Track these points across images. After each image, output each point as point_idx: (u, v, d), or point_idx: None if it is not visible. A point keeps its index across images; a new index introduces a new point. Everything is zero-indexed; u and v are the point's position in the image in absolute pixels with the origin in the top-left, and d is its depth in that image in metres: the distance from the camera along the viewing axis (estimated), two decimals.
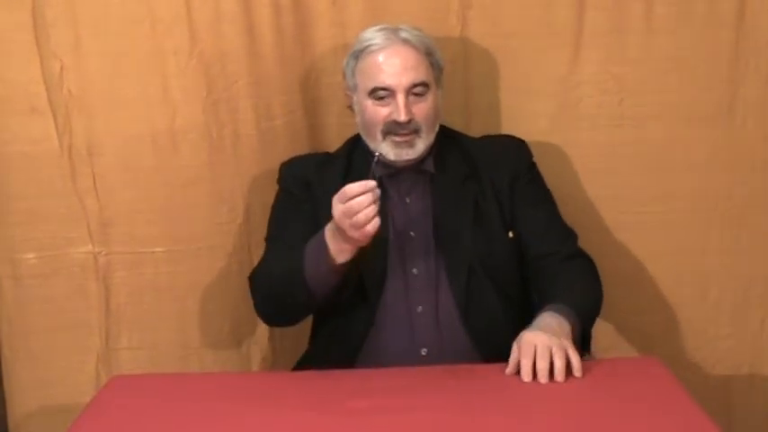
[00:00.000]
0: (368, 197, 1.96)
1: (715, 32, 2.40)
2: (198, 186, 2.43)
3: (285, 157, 2.33)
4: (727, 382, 2.51)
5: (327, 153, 2.34)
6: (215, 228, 2.45)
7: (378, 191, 1.97)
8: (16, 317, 2.47)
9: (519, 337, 1.96)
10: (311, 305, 2.14)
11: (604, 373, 1.95)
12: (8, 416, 2.53)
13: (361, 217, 1.96)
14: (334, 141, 2.39)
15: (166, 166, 2.42)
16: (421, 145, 2.17)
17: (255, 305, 2.21)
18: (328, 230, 2.04)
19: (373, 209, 1.96)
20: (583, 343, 2.06)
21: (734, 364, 2.51)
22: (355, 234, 1.98)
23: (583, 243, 2.24)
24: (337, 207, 1.99)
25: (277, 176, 2.30)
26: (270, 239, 2.26)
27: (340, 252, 2.03)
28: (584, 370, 1.92)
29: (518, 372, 1.91)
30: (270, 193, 2.32)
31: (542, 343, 1.91)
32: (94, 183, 2.42)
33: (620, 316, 2.36)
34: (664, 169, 2.46)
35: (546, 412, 1.82)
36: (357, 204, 1.96)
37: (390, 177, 2.22)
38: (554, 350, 1.91)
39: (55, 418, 2.35)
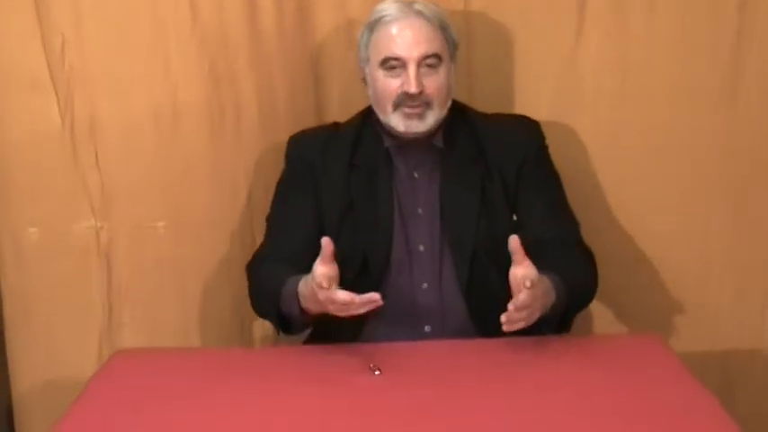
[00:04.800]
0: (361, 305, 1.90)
1: (718, 11, 2.38)
2: (200, 163, 2.43)
3: (286, 136, 2.31)
4: (728, 359, 2.52)
5: (337, 124, 2.31)
6: (217, 204, 2.45)
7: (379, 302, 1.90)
8: (19, 292, 2.48)
9: (538, 279, 1.91)
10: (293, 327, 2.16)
11: (604, 349, 1.97)
12: (12, 391, 2.53)
13: (342, 309, 1.92)
14: (336, 119, 2.36)
15: (168, 143, 2.42)
16: (431, 118, 2.16)
17: (248, 293, 2.22)
18: (303, 285, 1.99)
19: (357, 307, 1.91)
20: (561, 324, 2.07)
21: (735, 340, 2.52)
22: (330, 308, 1.94)
23: (584, 223, 2.25)
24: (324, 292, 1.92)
25: (285, 150, 2.29)
26: (270, 220, 2.26)
27: (312, 305, 2.00)
28: (585, 345, 1.94)
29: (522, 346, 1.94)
30: (272, 170, 2.33)
31: (533, 305, 1.90)
32: (96, 159, 2.42)
33: (622, 295, 2.37)
34: (667, 150, 2.45)
35: (545, 387, 1.82)
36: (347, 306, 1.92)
37: (399, 149, 2.22)
38: (529, 314, 1.90)
39: (58, 393, 2.31)
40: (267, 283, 2.12)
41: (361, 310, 1.91)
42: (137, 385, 1.91)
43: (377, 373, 1.90)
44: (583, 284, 2.14)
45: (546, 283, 1.98)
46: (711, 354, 2.50)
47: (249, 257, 2.27)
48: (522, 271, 1.91)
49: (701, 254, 2.49)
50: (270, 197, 2.31)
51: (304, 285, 1.99)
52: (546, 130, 2.30)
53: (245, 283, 2.26)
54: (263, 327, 2.50)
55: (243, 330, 2.50)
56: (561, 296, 2.01)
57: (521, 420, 1.69)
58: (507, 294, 2.03)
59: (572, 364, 1.91)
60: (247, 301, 2.31)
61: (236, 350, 2.39)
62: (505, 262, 2.13)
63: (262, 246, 2.25)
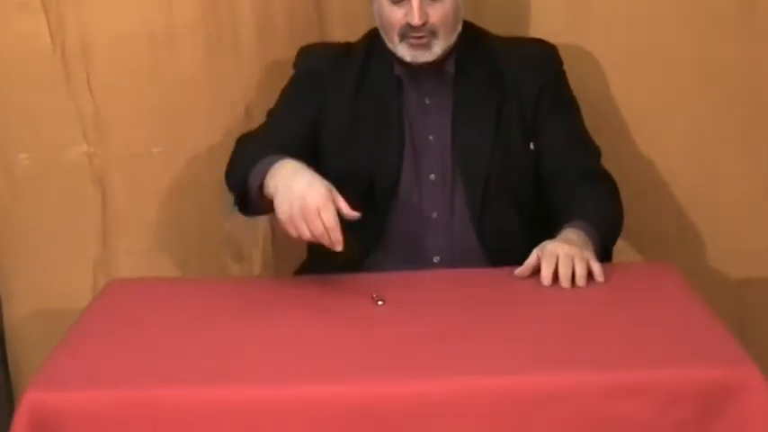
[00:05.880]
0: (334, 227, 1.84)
1: None
2: (196, 85, 2.39)
3: (286, 56, 2.26)
4: (742, 287, 2.50)
5: (349, 44, 2.26)
6: (214, 128, 2.41)
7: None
8: (11, 220, 2.45)
9: (541, 246, 1.97)
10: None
11: (617, 278, 1.94)
12: (4, 321, 2.52)
13: (316, 227, 1.84)
14: (340, 37, 2.32)
15: (163, 65, 2.39)
16: (438, 48, 2.11)
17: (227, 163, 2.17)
18: (279, 183, 1.90)
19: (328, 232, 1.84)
20: (603, 258, 2.04)
21: (749, 267, 2.50)
22: (310, 215, 1.85)
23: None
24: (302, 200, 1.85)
25: (293, 61, 2.23)
26: (270, 115, 2.22)
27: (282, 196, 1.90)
28: None
29: (532, 276, 1.93)
30: (272, 92, 2.28)
31: (565, 252, 1.93)
32: (88, 82, 2.38)
33: (634, 220, 2.33)
34: (680, 70, 2.41)
35: (556, 317, 1.81)
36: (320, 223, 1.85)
37: (409, 76, 2.18)
38: (576, 259, 1.93)
39: (52, 322, 2.31)
40: (246, 155, 2.08)
41: (328, 246, 1.86)
42: (132, 314, 1.89)
43: (380, 303, 1.87)
44: (611, 220, 2.13)
45: (580, 237, 1.97)
46: (724, 283, 2.48)
47: None
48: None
49: (714, 181, 2.46)
50: None
51: (286, 172, 1.91)
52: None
53: None
54: (262, 253, 2.47)
55: (242, 260, 2.47)
56: (596, 240, 2.00)
57: (527, 349, 1.66)
58: (521, 226, 2.05)
59: (583, 294, 1.88)
60: (246, 228, 2.29)
61: (235, 280, 2.38)
62: (521, 192, 2.10)
63: (257, 129, 2.21)
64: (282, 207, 1.91)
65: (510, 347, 1.68)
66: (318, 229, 1.87)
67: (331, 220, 1.86)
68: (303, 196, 1.88)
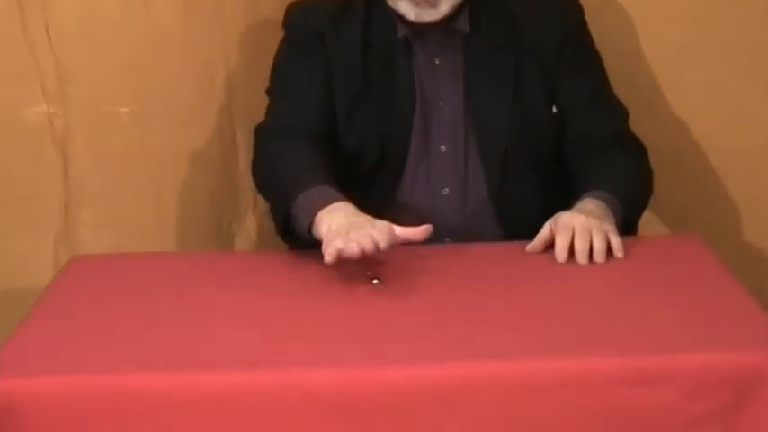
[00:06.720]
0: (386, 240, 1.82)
1: None
2: (170, 38, 2.37)
3: (273, 8, 2.24)
4: None
5: None
6: (191, 87, 2.40)
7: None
8: None
9: (555, 218, 1.96)
10: None
11: (639, 253, 1.94)
12: None
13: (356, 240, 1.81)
14: None
15: (134, 15, 2.35)
16: (445, 5, 2.07)
17: (253, 164, 2.17)
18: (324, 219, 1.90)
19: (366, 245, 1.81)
20: (627, 231, 2.04)
21: None
22: (338, 243, 1.82)
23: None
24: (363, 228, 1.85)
25: (282, 19, 2.21)
26: (276, 90, 2.18)
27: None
28: None
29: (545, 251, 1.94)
30: (255, 50, 2.28)
31: (581, 224, 1.92)
32: (48, 32, 2.35)
33: (660, 188, 2.33)
34: (707, 21, 2.41)
35: (570, 296, 1.82)
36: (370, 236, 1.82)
37: (416, 36, 2.13)
38: (594, 232, 1.91)
39: (8, 303, 2.30)
40: (283, 171, 2.05)
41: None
42: (99, 293, 1.88)
43: (375, 282, 1.85)
44: (637, 189, 2.13)
45: (600, 208, 1.98)
46: (758, 258, 2.50)
47: (227, 149, 2.25)
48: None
49: (752, 146, 2.47)
50: (253, 80, 2.29)
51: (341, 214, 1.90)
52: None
53: (224, 176, 2.24)
54: (244, 227, 2.48)
55: (221, 230, 2.48)
56: (617, 211, 2.01)
57: (538, 332, 1.67)
58: (543, 202, 2.06)
59: (601, 270, 1.89)
60: (227, 199, 2.31)
61: (213, 255, 2.37)
62: (543, 162, 2.12)
63: (272, 114, 2.18)
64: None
65: (518, 330, 1.67)
66: (366, 236, 1.81)
67: (383, 238, 1.82)
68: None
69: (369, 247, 1.79)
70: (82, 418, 1.55)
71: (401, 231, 1.86)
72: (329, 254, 1.80)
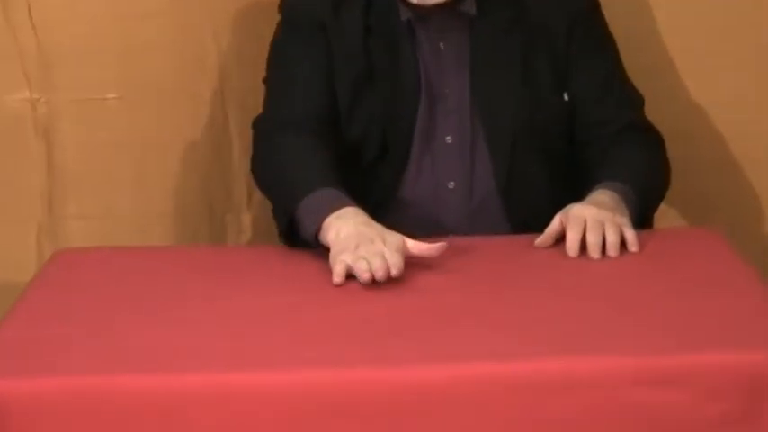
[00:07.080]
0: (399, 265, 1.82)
1: None
2: (159, 20, 2.38)
3: None
4: None
5: None
6: (180, 71, 2.41)
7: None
8: None
9: (565, 210, 1.95)
10: None
11: (654, 247, 1.95)
12: None
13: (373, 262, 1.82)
14: None
15: None
16: None
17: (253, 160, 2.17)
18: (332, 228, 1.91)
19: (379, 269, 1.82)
20: (642, 224, 2.05)
21: None
22: (346, 258, 1.84)
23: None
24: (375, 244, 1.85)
25: (278, 4, 2.20)
26: (275, 80, 2.18)
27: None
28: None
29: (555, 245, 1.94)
30: (248, 32, 2.29)
31: (593, 216, 1.91)
32: (30, 14, 2.37)
33: (677, 179, 2.35)
34: (728, 2, 2.43)
35: (582, 292, 1.83)
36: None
37: (420, 19, 2.12)
38: (606, 225, 1.90)
39: None
40: (286, 170, 2.07)
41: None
42: (84, 290, 1.89)
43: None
44: (653, 180, 2.14)
45: (613, 199, 1.99)
46: None
47: (220, 136, 2.25)
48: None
49: (764, 126, 2.47)
50: (246, 64, 2.31)
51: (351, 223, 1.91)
52: None
53: (215, 166, 2.25)
54: (237, 220, 2.50)
55: (212, 224, 2.49)
56: (632, 203, 2.02)
57: (547, 331, 1.68)
58: (553, 193, 2.07)
59: (614, 265, 1.90)
60: (220, 190, 2.32)
61: (207, 248, 2.39)
62: (554, 152, 2.13)
63: (271, 106, 2.18)
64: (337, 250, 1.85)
65: (527, 329, 1.68)
66: (377, 254, 1.81)
67: (396, 262, 1.82)
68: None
69: (380, 274, 1.79)
70: (67, 419, 1.55)
71: (414, 247, 1.85)
72: (337, 273, 1.81)
